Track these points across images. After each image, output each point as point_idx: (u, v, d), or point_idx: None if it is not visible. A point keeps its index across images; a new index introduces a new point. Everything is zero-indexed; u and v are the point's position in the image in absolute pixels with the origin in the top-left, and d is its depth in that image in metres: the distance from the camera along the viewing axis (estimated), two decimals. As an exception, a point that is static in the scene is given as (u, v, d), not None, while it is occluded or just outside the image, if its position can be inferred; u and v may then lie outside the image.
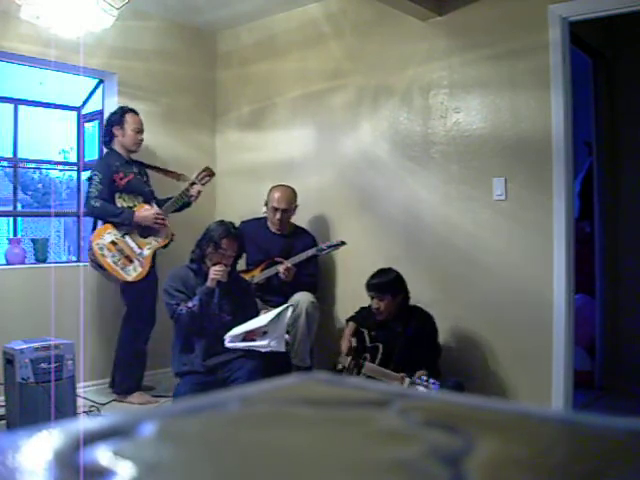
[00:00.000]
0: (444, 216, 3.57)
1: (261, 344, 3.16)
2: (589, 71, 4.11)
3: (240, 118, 4.56)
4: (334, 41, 4.05)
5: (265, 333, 3.18)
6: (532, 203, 3.27)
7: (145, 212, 3.60)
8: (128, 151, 3.76)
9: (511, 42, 3.34)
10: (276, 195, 3.84)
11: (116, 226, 3.58)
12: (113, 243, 3.55)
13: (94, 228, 3.69)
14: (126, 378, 3.68)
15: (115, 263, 3.52)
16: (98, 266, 3.57)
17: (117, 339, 3.74)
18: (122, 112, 3.74)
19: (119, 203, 3.64)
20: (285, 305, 3.30)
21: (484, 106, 3.44)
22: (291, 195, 3.88)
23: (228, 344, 3.14)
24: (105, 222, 3.62)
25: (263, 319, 3.21)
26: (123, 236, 3.59)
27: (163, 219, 3.64)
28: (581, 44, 3.79)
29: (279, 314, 3.20)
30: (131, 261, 3.56)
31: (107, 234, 3.56)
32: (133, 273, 3.55)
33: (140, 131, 3.77)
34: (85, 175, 4.11)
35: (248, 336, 3.17)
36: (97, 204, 3.54)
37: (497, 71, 3.39)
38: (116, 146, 3.74)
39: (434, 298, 3.55)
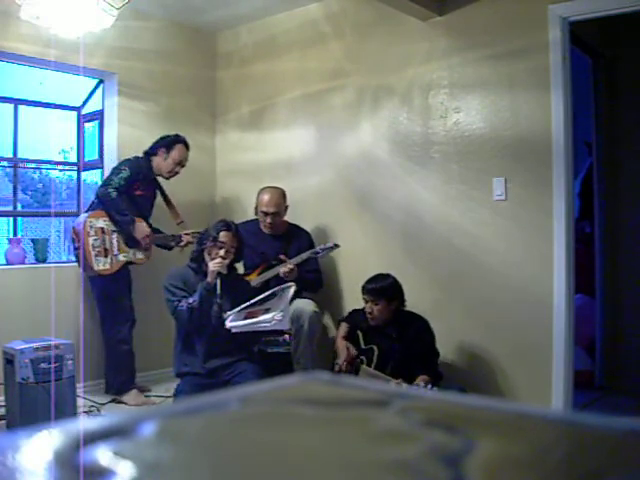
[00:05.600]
0: (444, 216, 3.57)
1: (264, 318, 3.11)
2: (589, 71, 4.11)
3: (240, 118, 4.56)
4: (334, 41, 4.05)
5: (268, 310, 3.14)
6: (532, 203, 3.27)
7: (142, 227, 3.66)
8: (158, 174, 3.83)
9: (511, 42, 3.33)
10: (265, 198, 3.78)
11: (113, 222, 3.63)
12: (102, 230, 3.60)
13: (91, 207, 3.71)
14: (116, 376, 3.71)
15: (93, 247, 3.54)
16: (75, 248, 3.58)
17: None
18: (176, 140, 3.81)
19: None
20: (286, 284, 3.22)
21: (484, 106, 3.44)
22: (280, 197, 3.82)
23: (229, 324, 3.09)
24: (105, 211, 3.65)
25: (263, 295, 3.17)
26: (113, 232, 3.63)
27: (149, 244, 3.72)
28: (581, 44, 3.79)
29: (282, 290, 3.16)
30: (106, 255, 3.60)
31: (102, 220, 3.61)
32: (101, 266, 3.57)
33: (180, 164, 3.83)
34: (85, 175, 4.11)
35: (249, 314, 3.12)
36: (114, 195, 3.57)
37: (497, 71, 3.39)
38: (153, 162, 3.81)
39: (434, 298, 3.55)
